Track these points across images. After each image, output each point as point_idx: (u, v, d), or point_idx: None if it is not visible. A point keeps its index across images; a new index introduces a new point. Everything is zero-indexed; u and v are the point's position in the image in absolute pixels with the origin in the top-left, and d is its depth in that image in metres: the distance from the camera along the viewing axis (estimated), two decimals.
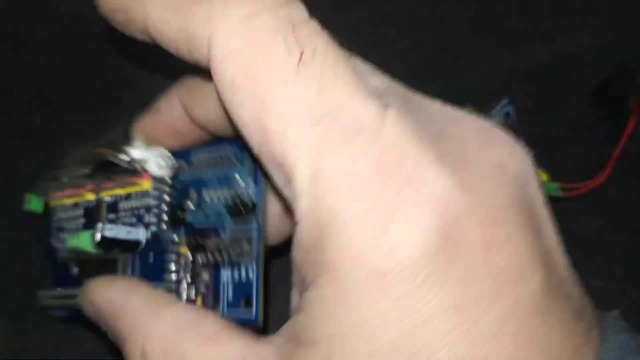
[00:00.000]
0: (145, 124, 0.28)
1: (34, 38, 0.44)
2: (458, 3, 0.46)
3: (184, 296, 0.25)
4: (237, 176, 0.24)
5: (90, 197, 0.31)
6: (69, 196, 0.33)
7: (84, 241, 0.28)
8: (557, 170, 0.35)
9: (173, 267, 0.26)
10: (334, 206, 0.16)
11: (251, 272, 0.24)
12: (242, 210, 0.24)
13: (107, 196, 0.30)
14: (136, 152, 0.27)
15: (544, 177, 0.35)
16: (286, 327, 0.18)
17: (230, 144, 0.26)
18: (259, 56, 0.17)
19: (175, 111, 0.26)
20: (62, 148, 0.39)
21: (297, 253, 0.18)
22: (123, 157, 0.27)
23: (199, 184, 0.26)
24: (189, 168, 0.27)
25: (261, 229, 0.24)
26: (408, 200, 0.15)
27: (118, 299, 0.23)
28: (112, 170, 0.29)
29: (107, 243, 0.27)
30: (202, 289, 0.25)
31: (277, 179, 0.18)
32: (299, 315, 0.17)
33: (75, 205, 0.33)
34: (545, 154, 0.34)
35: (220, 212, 0.24)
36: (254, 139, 0.18)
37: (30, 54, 0.44)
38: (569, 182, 0.35)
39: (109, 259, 0.29)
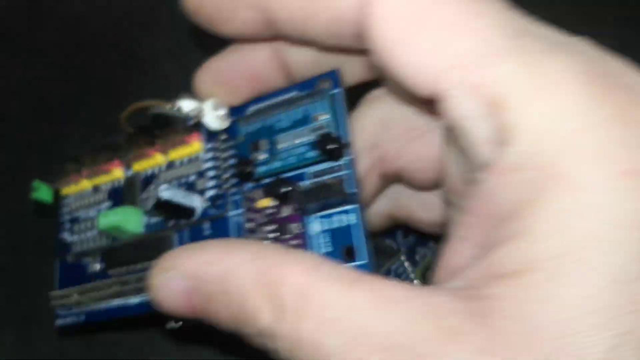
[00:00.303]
0: (216, 66, 0.25)
1: (37, 42, 0.43)
2: None
3: None
4: (321, 106, 0.22)
5: (118, 174, 0.28)
6: (89, 177, 0.29)
7: (129, 215, 0.25)
8: None
9: (250, 225, 0.23)
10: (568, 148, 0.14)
11: (351, 215, 0.20)
12: (332, 145, 0.21)
13: (142, 170, 0.27)
14: (189, 102, 0.24)
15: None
16: (466, 273, 0.16)
17: (300, 86, 0.23)
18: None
19: (260, 53, 0.24)
20: (65, 152, 0.36)
21: (493, 186, 0.16)
22: (175, 108, 0.24)
23: (269, 132, 0.23)
24: (247, 120, 0.24)
25: (355, 164, 0.21)
26: None
27: (224, 259, 0.18)
28: (157, 128, 0.26)
29: (165, 208, 0.23)
30: (293, 243, 0.22)
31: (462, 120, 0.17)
32: (494, 251, 0.15)
33: (96, 189, 0.29)
34: None
35: (302, 154, 0.22)
36: (429, 80, 0.17)
37: (34, 58, 0.43)
38: None
39: (148, 240, 0.26)
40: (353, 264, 0.20)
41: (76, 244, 0.29)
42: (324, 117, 0.22)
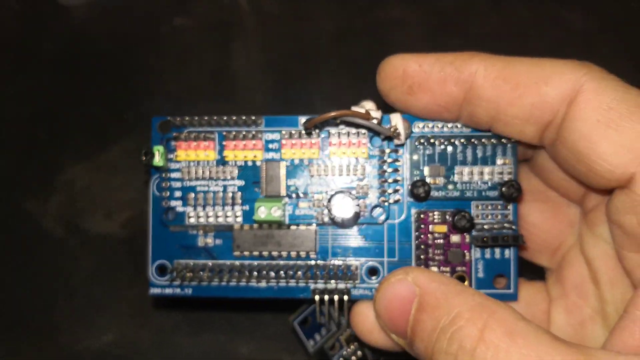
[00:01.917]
0: (412, 66, 0.26)
1: (40, 52, 0.42)
2: (461, 40, 0.50)
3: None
4: (504, 153, 0.27)
5: (258, 155, 0.27)
6: (226, 146, 0.27)
7: (283, 210, 0.26)
8: None
9: (421, 245, 0.26)
10: None
11: (510, 252, 0.26)
12: (515, 192, 0.26)
13: (291, 157, 0.27)
14: (395, 116, 0.26)
15: None
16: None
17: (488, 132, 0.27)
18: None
19: (469, 69, 0.25)
20: (61, 162, 0.38)
21: None
22: (373, 119, 0.26)
23: (448, 160, 0.27)
24: (425, 142, 0.27)
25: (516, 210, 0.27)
26: None
27: (450, 284, 0.23)
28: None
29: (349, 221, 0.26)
30: (459, 269, 0.26)
31: None
32: None
33: (223, 162, 0.27)
34: None
35: (482, 190, 0.26)
36: (623, 163, 0.22)
37: (36, 67, 0.42)
38: None
39: (289, 232, 0.27)
40: (502, 291, 0.26)
41: (191, 215, 0.27)
42: (507, 164, 0.27)
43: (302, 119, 0.27)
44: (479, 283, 0.26)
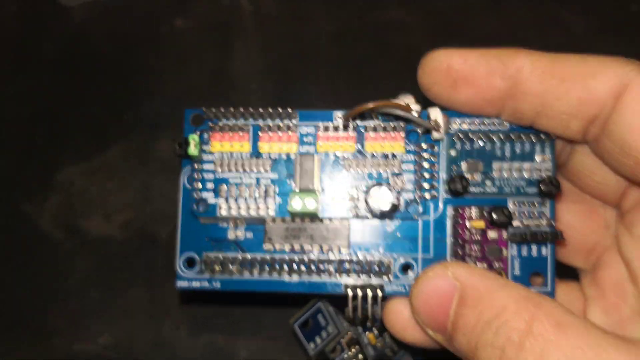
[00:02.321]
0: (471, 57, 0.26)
1: (40, 52, 0.42)
2: (460, 42, 0.51)
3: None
4: (542, 150, 0.26)
5: (293, 148, 0.27)
6: (261, 138, 0.27)
7: (317, 202, 0.25)
8: None
9: (457, 241, 0.26)
10: None
11: (548, 249, 0.26)
12: (554, 189, 0.26)
13: (327, 150, 0.27)
14: (434, 110, 0.26)
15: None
16: None
17: (519, 127, 0.27)
18: None
19: (516, 64, 0.25)
20: (60, 162, 0.37)
21: None
22: (414, 112, 0.26)
23: (486, 156, 0.26)
24: (464, 137, 0.27)
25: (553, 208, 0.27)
26: None
27: (490, 277, 0.22)
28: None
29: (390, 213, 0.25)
30: (496, 266, 0.26)
31: None
32: None
33: (257, 154, 0.26)
34: None
35: (520, 187, 0.26)
36: None
37: (36, 67, 0.42)
38: None
39: (323, 226, 0.26)
40: (539, 288, 0.26)
41: (223, 207, 0.26)
42: (546, 160, 0.27)
43: (339, 113, 0.26)
44: (515, 281, 0.26)
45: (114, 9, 0.44)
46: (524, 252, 0.26)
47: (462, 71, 0.25)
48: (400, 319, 0.25)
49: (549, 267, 0.26)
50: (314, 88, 0.45)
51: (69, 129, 0.40)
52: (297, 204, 0.25)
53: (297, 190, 0.26)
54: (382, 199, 0.25)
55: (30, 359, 0.29)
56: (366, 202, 0.25)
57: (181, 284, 0.25)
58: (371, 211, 0.25)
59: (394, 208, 0.25)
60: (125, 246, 0.34)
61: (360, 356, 0.29)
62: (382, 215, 0.26)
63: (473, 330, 0.22)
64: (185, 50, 0.45)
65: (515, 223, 0.26)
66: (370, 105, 0.25)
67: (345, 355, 0.29)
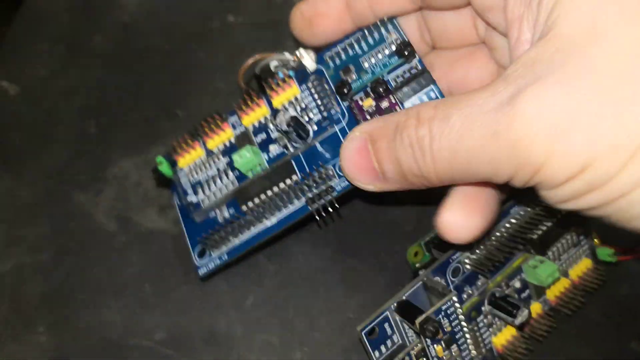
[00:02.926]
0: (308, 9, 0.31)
1: (91, 46, 0.45)
2: None
3: None
4: (388, 28, 0.31)
5: (228, 134, 0.33)
6: (201, 145, 0.34)
7: (257, 153, 0.31)
8: (612, 234, 0.33)
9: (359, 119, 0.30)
10: None
11: (434, 90, 0.29)
12: (409, 49, 0.29)
13: (251, 123, 0.33)
14: (299, 50, 0.32)
15: (596, 237, 0.34)
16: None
17: (365, 29, 0.31)
18: None
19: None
20: (110, 157, 0.40)
21: None
22: (284, 56, 0.32)
23: (353, 59, 0.31)
24: (332, 58, 0.32)
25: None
26: None
27: (381, 118, 0.26)
28: (263, 79, 0.33)
29: (296, 124, 0.30)
30: None
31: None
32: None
33: (209, 152, 0.34)
34: None
35: (386, 63, 0.30)
36: None
37: (87, 61, 0.44)
38: (623, 245, 0.32)
39: (272, 170, 0.31)
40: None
41: (204, 200, 0.33)
42: (394, 36, 0.30)
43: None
44: None
45: (166, 3, 0.45)
46: (414, 99, 0.29)
47: (309, 11, 0.30)
48: (455, 227, 0.26)
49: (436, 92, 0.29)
50: None
51: (121, 122, 0.41)
52: (237, 161, 0.31)
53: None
54: (284, 118, 0.30)
55: (84, 354, 0.32)
56: (277, 128, 0.31)
57: (201, 271, 0.32)
58: (287, 133, 0.30)
59: (296, 119, 0.30)
60: (178, 241, 0.34)
61: None
62: (298, 135, 0.30)
63: (389, 152, 0.24)
64: (236, 47, 0.45)
65: (396, 86, 0.29)
66: (250, 61, 0.32)
67: None
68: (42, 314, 0.33)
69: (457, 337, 0.30)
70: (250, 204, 0.31)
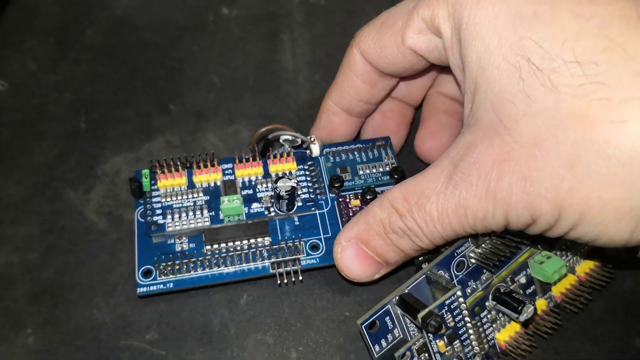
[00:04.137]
0: (335, 93, 0.35)
1: (83, 39, 0.44)
2: None
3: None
4: (387, 152, 0.37)
5: (216, 177, 0.35)
6: (194, 174, 0.35)
7: (239, 204, 0.33)
8: None
9: (346, 218, 0.34)
10: None
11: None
12: (399, 174, 0.35)
13: (243, 176, 0.35)
14: (315, 138, 0.36)
15: None
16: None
17: (365, 141, 0.37)
18: None
19: (358, 63, 0.33)
20: (101, 153, 0.39)
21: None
22: (298, 135, 0.36)
23: (351, 163, 0.36)
24: (334, 153, 0.37)
25: None
26: None
27: (359, 218, 0.30)
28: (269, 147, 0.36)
29: (290, 196, 0.33)
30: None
31: None
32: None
33: (191, 185, 0.35)
34: None
35: (378, 177, 0.36)
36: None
37: (79, 55, 0.43)
38: None
39: (250, 224, 0.33)
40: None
41: (169, 225, 0.33)
42: (391, 160, 0.36)
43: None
44: None
45: None
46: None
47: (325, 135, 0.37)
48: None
49: None
50: None
51: (113, 118, 0.41)
52: (225, 203, 0.32)
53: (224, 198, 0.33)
54: (285, 185, 0.33)
55: (73, 356, 0.31)
56: (275, 190, 0.33)
57: (141, 290, 0.31)
58: (279, 194, 0.32)
59: (293, 192, 0.33)
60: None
61: None
62: (288, 203, 0.33)
63: (388, 247, 0.29)
64: (231, 40, 0.45)
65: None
66: (269, 127, 0.35)
67: None
68: (31, 315, 0.32)
69: (460, 332, 0.29)
70: (215, 246, 0.32)
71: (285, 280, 0.32)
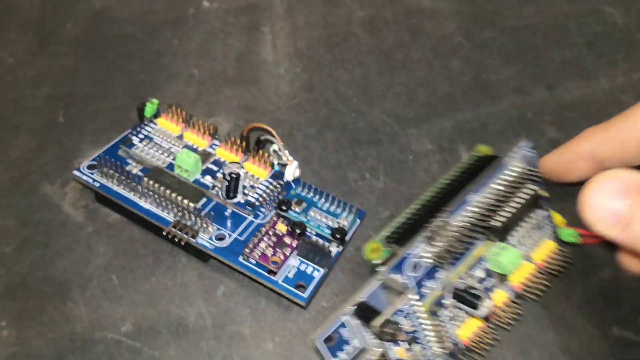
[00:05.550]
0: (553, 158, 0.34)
1: (61, 33, 0.44)
2: (495, 32, 0.49)
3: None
4: (344, 215, 0.35)
5: (203, 143, 0.37)
6: (187, 131, 0.38)
7: (198, 167, 0.35)
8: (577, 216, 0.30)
9: (264, 230, 0.33)
10: None
11: (318, 273, 0.32)
12: (341, 236, 0.33)
13: (221, 156, 0.37)
14: (295, 163, 0.36)
15: (559, 219, 0.33)
16: None
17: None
18: None
19: (581, 150, 0.33)
20: (79, 147, 0.39)
21: None
22: (285, 153, 0.36)
23: (309, 202, 0.36)
24: (302, 189, 0.36)
25: (338, 256, 0.34)
26: None
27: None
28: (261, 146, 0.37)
29: (232, 180, 0.33)
30: (276, 256, 0.32)
31: None
32: None
33: (180, 137, 0.38)
34: (568, 196, 0.32)
35: (322, 227, 0.34)
36: None
37: (57, 47, 0.43)
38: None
39: (189, 186, 0.35)
40: (298, 295, 0.31)
41: (139, 148, 0.36)
42: (345, 222, 0.34)
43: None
44: (285, 281, 0.32)
45: None
46: (302, 266, 0.32)
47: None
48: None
49: (313, 285, 0.32)
50: (344, 74, 0.44)
51: (91, 112, 0.40)
52: (181, 152, 0.35)
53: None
54: (232, 169, 0.33)
55: (48, 348, 0.30)
56: (222, 169, 0.34)
57: (75, 173, 0.35)
58: (223, 179, 0.34)
59: (237, 179, 0.33)
60: (145, 232, 0.34)
61: None
62: (227, 188, 0.34)
63: None
64: (211, 33, 0.44)
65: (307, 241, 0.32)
66: (269, 128, 0.35)
67: None
68: (5, 308, 0.32)
69: (420, 335, 0.28)
70: (152, 182, 0.34)
71: (171, 237, 0.33)
